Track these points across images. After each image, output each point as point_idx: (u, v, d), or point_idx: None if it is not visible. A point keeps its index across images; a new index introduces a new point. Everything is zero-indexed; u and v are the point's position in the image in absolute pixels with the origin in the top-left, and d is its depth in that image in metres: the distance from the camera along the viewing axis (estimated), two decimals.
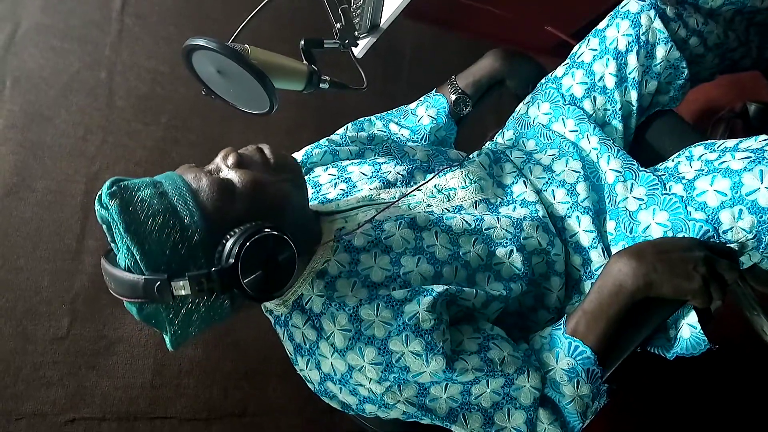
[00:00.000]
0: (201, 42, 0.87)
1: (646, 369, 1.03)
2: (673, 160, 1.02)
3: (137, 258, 0.76)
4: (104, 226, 0.80)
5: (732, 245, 0.88)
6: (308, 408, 1.83)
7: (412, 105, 1.30)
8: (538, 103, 1.19)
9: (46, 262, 1.69)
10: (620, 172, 1.03)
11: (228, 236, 0.78)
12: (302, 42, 1.03)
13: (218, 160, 0.88)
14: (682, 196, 0.92)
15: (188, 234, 0.78)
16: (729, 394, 1.71)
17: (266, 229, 0.78)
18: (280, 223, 0.82)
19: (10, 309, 1.63)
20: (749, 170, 0.85)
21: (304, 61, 1.02)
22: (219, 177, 0.85)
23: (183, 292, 0.75)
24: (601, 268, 1.00)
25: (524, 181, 1.09)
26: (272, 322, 0.98)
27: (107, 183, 0.79)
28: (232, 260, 0.76)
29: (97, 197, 0.79)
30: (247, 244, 0.76)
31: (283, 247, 0.80)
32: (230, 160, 0.86)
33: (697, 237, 0.90)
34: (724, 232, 0.88)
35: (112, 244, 0.81)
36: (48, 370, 1.65)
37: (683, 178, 0.94)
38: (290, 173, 0.90)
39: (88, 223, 1.73)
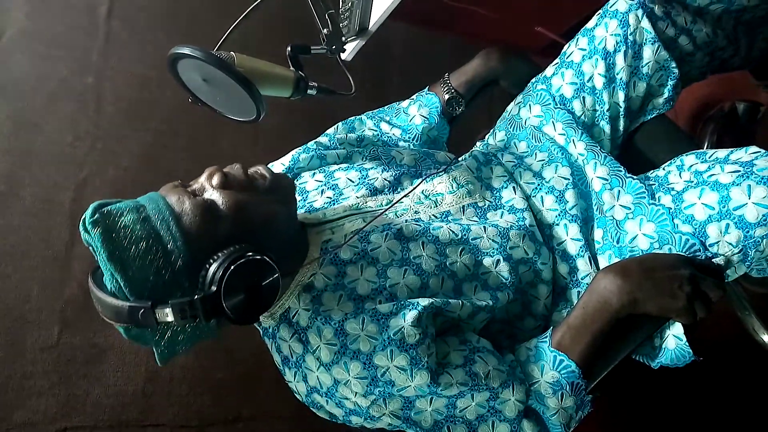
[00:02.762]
0: (185, 50, 0.86)
1: (634, 370, 1.04)
2: (664, 169, 1.02)
3: (122, 285, 0.76)
4: (90, 248, 0.79)
5: (718, 259, 0.88)
6: (301, 412, 1.80)
7: (404, 103, 1.29)
8: (529, 105, 1.19)
9: (34, 270, 1.68)
10: (607, 180, 1.03)
11: (211, 261, 0.77)
12: (289, 48, 1.02)
13: (202, 179, 0.87)
14: (670, 208, 0.92)
15: (171, 259, 0.78)
16: (720, 394, 1.71)
17: (249, 254, 0.77)
18: (265, 242, 0.82)
19: None
20: (737, 185, 0.85)
21: (291, 68, 1.01)
22: (202, 199, 0.83)
23: (168, 319, 0.75)
24: (588, 276, 1.01)
25: (514, 187, 1.09)
26: (260, 333, 0.98)
27: (90, 209, 0.78)
28: (214, 287, 0.75)
29: (81, 221, 0.78)
30: (230, 269, 0.75)
31: (267, 270, 0.79)
32: (215, 180, 0.85)
33: (684, 250, 0.90)
34: (711, 246, 0.88)
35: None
36: (38, 379, 1.64)
37: (672, 189, 0.94)
38: (282, 194, 0.89)
39: (77, 230, 1.68)
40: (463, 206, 1.05)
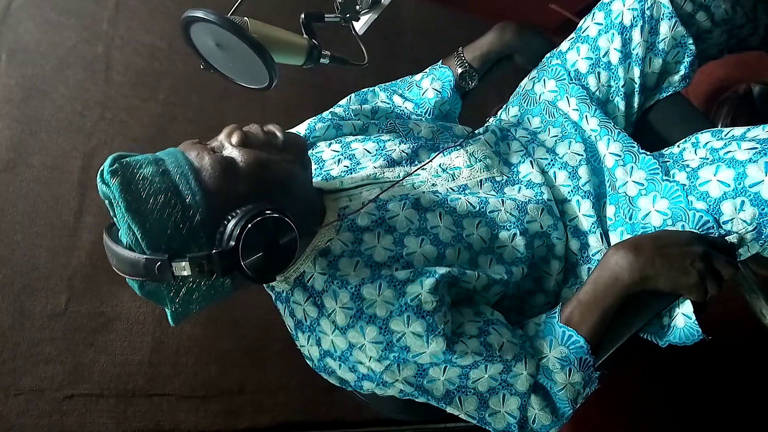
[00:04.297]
0: (199, 14, 0.85)
1: (639, 352, 1.04)
2: (678, 146, 1.01)
3: (138, 237, 0.75)
4: (106, 201, 0.79)
5: (732, 236, 0.87)
6: (306, 385, 1.83)
7: (417, 76, 1.28)
8: (544, 80, 1.18)
9: (43, 238, 1.68)
10: (619, 156, 1.02)
11: (229, 217, 0.77)
12: (303, 15, 1.01)
13: (222, 137, 0.86)
14: (684, 185, 0.91)
15: (190, 214, 0.77)
16: (725, 377, 1.71)
17: (268, 211, 0.77)
18: (283, 202, 0.81)
19: (7, 285, 1.63)
20: (754, 162, 0.85)
21: (305, 35, 1.00)
22: (222, 155, 0.83)
23: (184, 273, 0.75)
24: (599, 253, 1.00)
25: (531, 162, 1.08)
26: (273, 297, 0.98)
27: (109, 159, 0.78)
28: (233, 242, 0.75)
29: (99, 173, 0.78)
30: (249, 226, 0.75)
31: (285, 229, 0.79)
32: (234, 139, 0.84)
33: (697, 227, 0.90)
34: (725, 223, 0.87)
35: (115, 219, 0.80)
36: (46, 346, 1.65)
37: (687, 165, 0.94)
38: (296, 154, 0.89)
39: (85, 199, 1.72)
40: (481, 180, 1.05)
